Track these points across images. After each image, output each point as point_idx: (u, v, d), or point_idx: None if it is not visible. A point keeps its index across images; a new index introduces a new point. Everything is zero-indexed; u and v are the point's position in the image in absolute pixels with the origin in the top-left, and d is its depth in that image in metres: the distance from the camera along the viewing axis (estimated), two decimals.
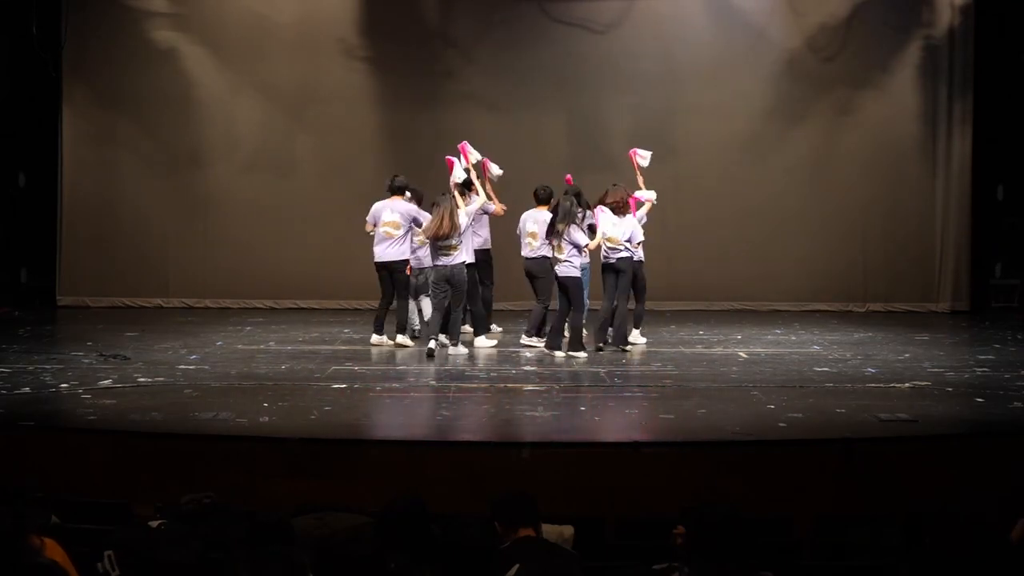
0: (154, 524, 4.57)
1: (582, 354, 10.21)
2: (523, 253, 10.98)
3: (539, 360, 10.20)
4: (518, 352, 10.64)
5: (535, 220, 10.88)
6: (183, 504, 4.71)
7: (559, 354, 10.27)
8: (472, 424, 7.86)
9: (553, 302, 10.79)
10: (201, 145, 14.61)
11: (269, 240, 14.45)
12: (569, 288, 10.35)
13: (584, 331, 10.61)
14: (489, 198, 11.15)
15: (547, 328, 10.72)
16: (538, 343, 10.70)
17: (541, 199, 11.00)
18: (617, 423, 7.88)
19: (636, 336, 11.12)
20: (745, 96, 14.46)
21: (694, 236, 14.23)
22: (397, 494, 4.36)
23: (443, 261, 10.35)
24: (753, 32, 14.52)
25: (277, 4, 14.56)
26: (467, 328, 11.13)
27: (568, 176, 11.13)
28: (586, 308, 10.72)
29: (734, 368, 9.89)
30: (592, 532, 5.35)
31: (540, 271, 10.79)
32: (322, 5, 14.61)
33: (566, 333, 10.42)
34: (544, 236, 10.57)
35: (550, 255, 10.51)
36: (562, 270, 10.33)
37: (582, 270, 10.47)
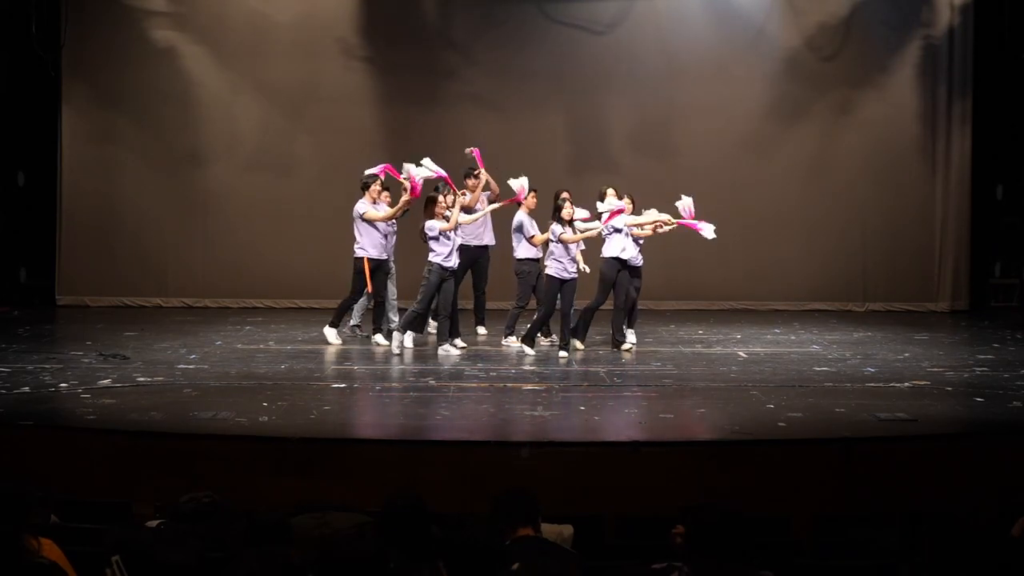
0: (153, 524, 4.57)
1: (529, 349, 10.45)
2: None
3: (540, 359, 10.21)
4: (517, 351, 10.64)
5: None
6: (183, 504, 4.70)
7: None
8: (472, 424, 7.85)
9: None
10: (201, 144, 14.61)
11: (269, 240, 14.46)
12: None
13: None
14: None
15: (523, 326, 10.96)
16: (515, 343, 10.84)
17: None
18: (617, 423, 7.88)
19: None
20: (745, 96, 14.47)
21: (693, 235, 14.17)
22: (394, 492, 4.36)
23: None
24: (752, 31, 14.53)
25: (277, 4, 14.57)
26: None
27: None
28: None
29: (733, 368, 9.90)
30: (591, 531, 5.35)
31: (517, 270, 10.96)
32: (322, 5, 14.62)
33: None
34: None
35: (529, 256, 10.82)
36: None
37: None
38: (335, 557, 3.82)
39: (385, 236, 10.98)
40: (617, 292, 10.69)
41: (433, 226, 10.21)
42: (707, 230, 10.95)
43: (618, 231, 10.63)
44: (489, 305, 11.86)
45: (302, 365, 9.84)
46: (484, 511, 4.67)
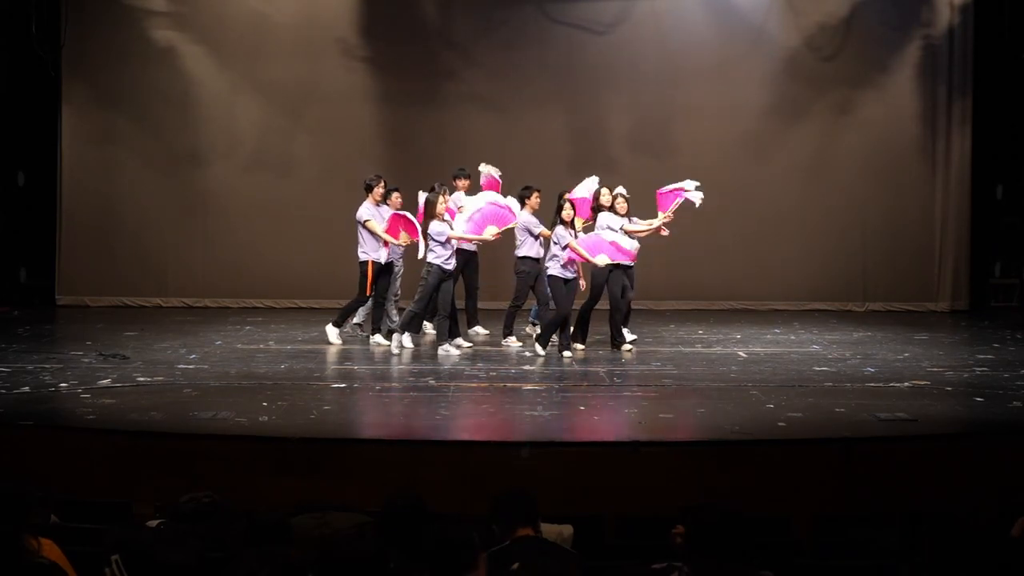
0: (153, 524, 4.57)
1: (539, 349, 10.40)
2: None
3: (540, 360, 10.21)
4: (517, 351, 10.64)
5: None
6: (183, 504, 4.70)
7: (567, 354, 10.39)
8: (472, 424, 7.86)
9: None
10: (200, 144, 14.62)
11: (269, 240, 14.47)
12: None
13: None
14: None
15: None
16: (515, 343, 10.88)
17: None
18: (617, 423, 7.89)
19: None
20: (745, 96, 14.47)
21: (693, 235, 14.19)
22: (394, 492, 4.36)
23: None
24: (752, 32, 14.53)
25: (277, 4, 14.57)
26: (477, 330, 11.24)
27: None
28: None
29: (733, 367, 9.89)
30: (591, 531, 5.35)
31: (517, 269, 10.94)
32: (322, 5, 14.62)
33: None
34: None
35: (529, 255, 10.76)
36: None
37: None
38: (335, 557, 3.81)
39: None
40: (611, 291, 10.67)
41: (442, 231, 10.21)
42: (692, 194, 10.87)
43: (611, 230, 10.61)
44: (485, 305, 11.87)
45: (302, 365, 9.84)
46: (484, 511, 4.66)
